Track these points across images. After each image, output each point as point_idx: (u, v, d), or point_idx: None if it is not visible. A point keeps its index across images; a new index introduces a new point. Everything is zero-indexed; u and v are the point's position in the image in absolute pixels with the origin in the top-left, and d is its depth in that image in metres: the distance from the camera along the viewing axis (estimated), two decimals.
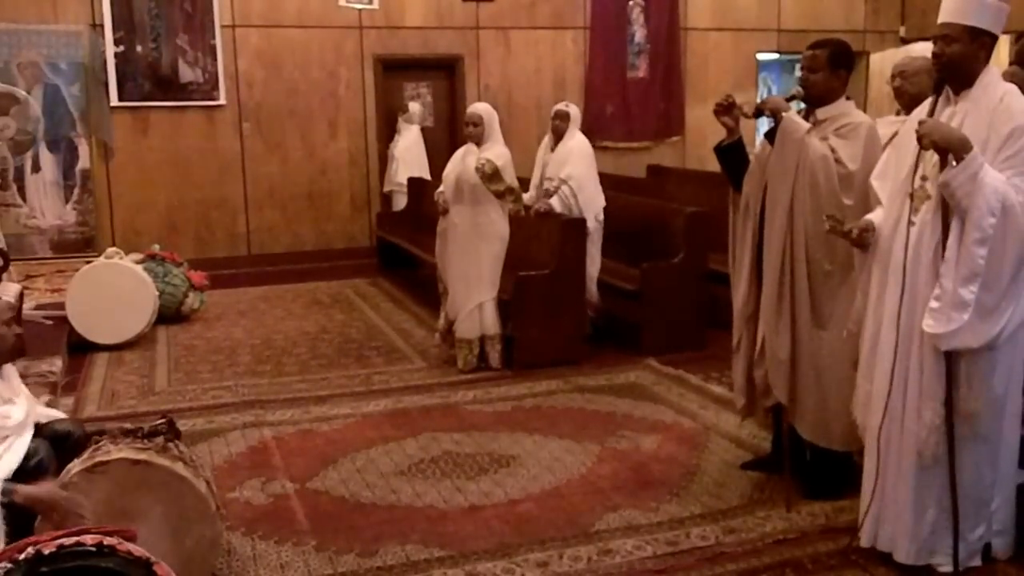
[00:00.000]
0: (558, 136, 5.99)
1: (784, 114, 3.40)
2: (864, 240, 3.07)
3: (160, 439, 2.99)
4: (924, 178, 2.89)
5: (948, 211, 2.81)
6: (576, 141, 5.97)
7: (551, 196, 5.80)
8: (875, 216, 3.10)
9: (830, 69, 3.48)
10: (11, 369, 3.23)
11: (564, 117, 5.98)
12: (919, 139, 2.79)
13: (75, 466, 2.85)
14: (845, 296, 3.37)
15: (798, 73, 3.67)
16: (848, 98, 3.56)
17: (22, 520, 2.75)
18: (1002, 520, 3.04)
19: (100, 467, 2.81)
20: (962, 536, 2.97)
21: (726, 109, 3.56)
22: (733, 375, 3.86)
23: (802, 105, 3.55)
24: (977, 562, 3.02)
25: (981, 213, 2.69)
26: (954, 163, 2.72)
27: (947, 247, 2.78)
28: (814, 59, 3.49)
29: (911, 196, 2.90)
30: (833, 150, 3.35)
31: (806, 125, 3.41)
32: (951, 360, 2.84)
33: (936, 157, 2.83)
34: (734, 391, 3.92)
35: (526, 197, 6.07)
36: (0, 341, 3.13)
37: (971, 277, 2.72)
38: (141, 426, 3.07)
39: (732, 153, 3.66)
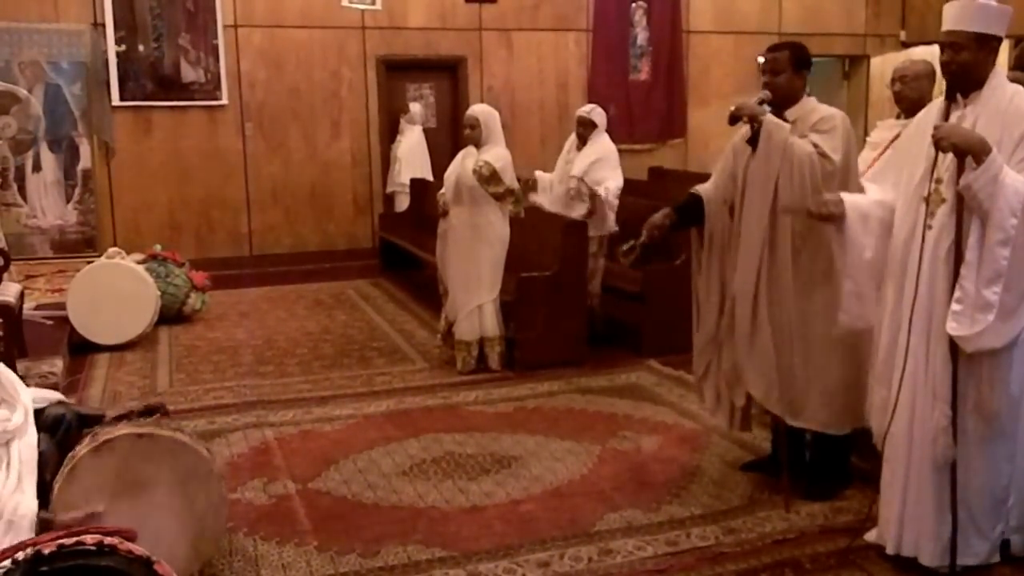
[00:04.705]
0: (583, 141, 6.06)
1: (764, 118, 3.42)
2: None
3: (156, 416, 3.16)
4: (939, 181, 2.89)
5: (963, 213, 2.80)
6: (603, 144, 6.04)
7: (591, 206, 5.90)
8: (846, 195, 3.17)
9: (793, 70, 3.52)
10: (4, 371, 3.10)
11: (587, 125, 6.04)
12: (937, 142, 2.79)
13: (81, 450, 2.90)
14: (825, 289, 3.39)
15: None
16: (809, 94, 3.60)
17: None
18: (1018, 516, 3.04)
19: (107, 444, 2.88)
20: (982, 533, 2.98)
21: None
22: (706, 396, 3.84)
23: (767, 108, 3.56)
24: (996, 559, 3.04)
25: (1003, 214, 2.69)
26: (974, 165, 2.72)
27: (967, 249, 2.78)
28: (776, 62, 3.53)
29: (926, 200, 2.91)
30: (816, 145, 3.37)
31: (788, 126, 3.43)
32: (972, 362, 2.84)
33: (949, 160, 2.83)
34: (709, 408, 3.89)
35: (551, 189, 6.16)
36: None
37: (994, 278, 2.73)
38: (132, 410, 3.19)
39: (690, 209, 3.81)
